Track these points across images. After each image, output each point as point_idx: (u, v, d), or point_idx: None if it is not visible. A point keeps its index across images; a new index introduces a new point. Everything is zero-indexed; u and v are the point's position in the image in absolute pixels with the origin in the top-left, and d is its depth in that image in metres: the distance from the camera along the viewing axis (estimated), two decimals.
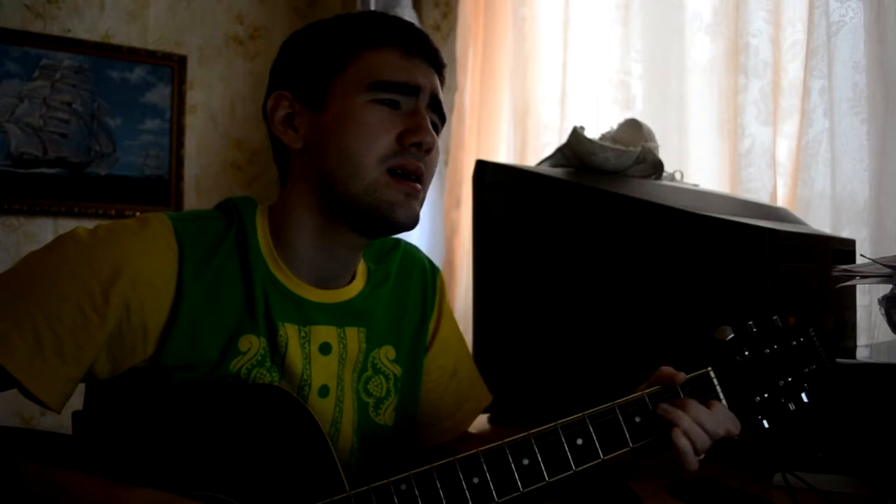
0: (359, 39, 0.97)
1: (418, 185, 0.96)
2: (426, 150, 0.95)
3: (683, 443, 0.88)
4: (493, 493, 0.85)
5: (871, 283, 1.44)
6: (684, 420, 0.88)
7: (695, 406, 0.90)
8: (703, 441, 0.89)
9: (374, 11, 1.00)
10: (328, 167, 0.95)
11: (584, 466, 0.88)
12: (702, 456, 0.90)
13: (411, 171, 0.95)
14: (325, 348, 0.99)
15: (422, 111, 0.96)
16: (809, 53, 1.83)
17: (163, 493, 0.79)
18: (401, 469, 0.86)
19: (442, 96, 1.00)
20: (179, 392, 0.90)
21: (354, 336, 1.02)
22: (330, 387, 0.99)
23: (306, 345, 0.97)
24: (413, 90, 0.96)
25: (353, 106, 0.94)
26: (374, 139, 0.93)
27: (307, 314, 0.98)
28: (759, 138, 1.97)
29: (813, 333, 0.97)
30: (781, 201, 1.93)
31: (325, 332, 0.99)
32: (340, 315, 1.01)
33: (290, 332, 0.96)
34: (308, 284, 0.99)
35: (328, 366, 0.99)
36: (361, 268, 1.06)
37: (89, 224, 0.93)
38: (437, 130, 1.00)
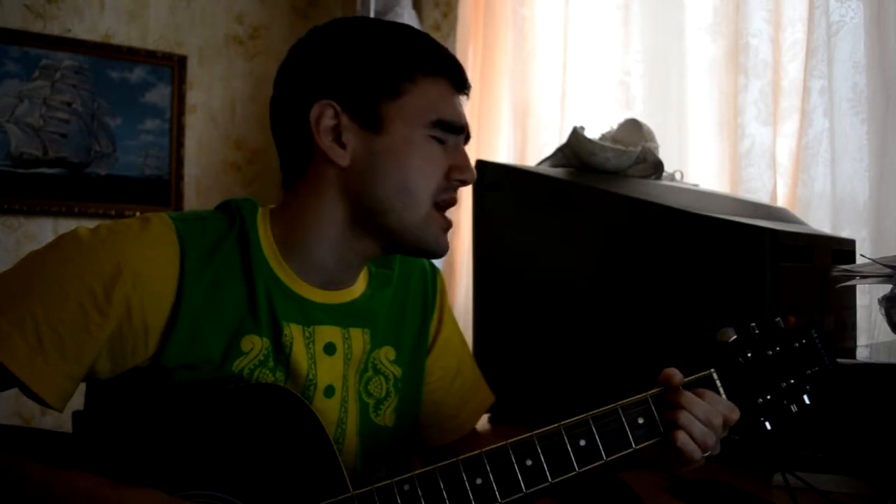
0: (413, 62, 0.97)
1: (450, 219, 1.01)
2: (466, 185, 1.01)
3: (682, 436, 0.88)
4: (496, 493, 0.85)
5: (871, 283, 1.44)
6: (683, 415, 0.89)
7: (689, 397, 0.90)
8: (701, 430, 0.89)
9: (418, 32, 1.02)
10: (381, 195, 0.95)
11: (587, 468, 0.88)
12: (708, 452, 0.90)
13: (453, 204, 1.00)
14: (329, 348, 0.99)
15: (463, 149, 1.01)
16: (809, 53, 1.83)
17: (165, 494, 0.79)
18: (403, 471, 0.86)
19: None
20: (181, 391, 0.90)
21: (359, 337, 1.02)
22: (335, 387, 0.99)
23: (311, 345, 0.98)
24: (461, 130, 1.00)
25: (414, 138, 0.96)
26: (432, 175, 0.97)
27: (311, 314, 0.98)
28: (759, 138, 1.98)
29: (815, 335, 0.97)
30: (781, 201, 1.93)
31: (329, 333, 0.99)
32: (344, 315, 1.01)
33: (294, 333, 0.96)
34: (311, 286, 0.99)
35: (333, 366, 0.99)
36: (363, 269, 1.06)
37: (89, 224, 0.93)
38: None
